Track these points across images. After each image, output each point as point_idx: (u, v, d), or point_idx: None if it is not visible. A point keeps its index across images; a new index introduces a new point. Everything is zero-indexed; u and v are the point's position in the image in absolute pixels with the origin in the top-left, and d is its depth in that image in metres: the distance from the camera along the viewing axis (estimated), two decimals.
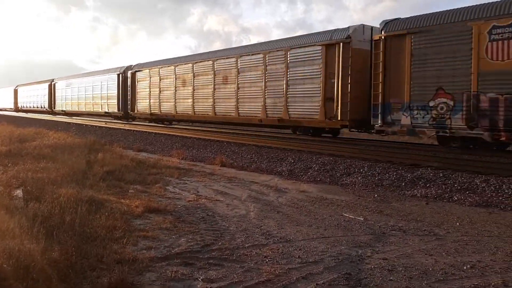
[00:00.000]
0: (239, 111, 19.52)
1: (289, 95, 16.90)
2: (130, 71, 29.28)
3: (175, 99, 24.46)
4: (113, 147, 14.52)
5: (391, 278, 3.99)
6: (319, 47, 15.73)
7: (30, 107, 52.21)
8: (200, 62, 22.63)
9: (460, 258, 4.53)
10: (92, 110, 35.29)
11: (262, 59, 18.26)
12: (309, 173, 10.14)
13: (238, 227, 5.67)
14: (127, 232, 5.13)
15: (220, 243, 4.98)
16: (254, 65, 18.70)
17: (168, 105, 25.30)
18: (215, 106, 21.16)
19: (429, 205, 7.18)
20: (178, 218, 6.02)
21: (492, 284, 3.84)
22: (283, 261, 4.43)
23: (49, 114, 44.86)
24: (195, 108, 22.79)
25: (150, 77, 27.08)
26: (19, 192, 6.79)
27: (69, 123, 29.49)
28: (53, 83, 44.78)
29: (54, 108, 44.25)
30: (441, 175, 8.96)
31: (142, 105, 28.11)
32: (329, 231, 5.57)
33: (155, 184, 8.56)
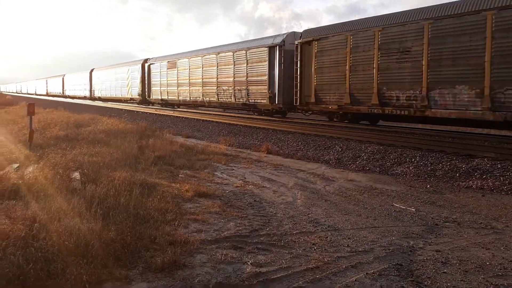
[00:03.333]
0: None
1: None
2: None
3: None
4: (163, 133, 14.92)
5: (445, 270, 3.87)
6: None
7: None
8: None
9: None
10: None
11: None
12: (357, 162, 9.96)
13: (285, 214, 5.69)
14: (178, 215, 5.29)
15: (268, 229, 5.01)
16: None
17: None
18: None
19: (486, 197, 6.85)
20: (227, 203, 6.12)
21: None
22: (332, 249, 4.40)
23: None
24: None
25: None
26: (76, 175, 7.13)
27: (121, 109, 30.55)
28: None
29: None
30: (499, 166, 8.51)
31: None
32: (379, 221, 5.46)
33: (204, 169, 8.74)
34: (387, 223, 5.37)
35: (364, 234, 4.88)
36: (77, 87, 55.32)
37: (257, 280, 3.65)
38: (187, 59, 27.38)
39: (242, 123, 18.61)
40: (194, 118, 22.22)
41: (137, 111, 29.07)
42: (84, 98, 51.46)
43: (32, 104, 10.05)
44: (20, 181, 6.16)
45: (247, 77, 21.40)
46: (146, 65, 33.92)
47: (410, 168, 9.04)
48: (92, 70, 48.96)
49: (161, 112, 27.15)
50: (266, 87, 20.00)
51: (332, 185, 7.62)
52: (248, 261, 4.04)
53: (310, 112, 18.57)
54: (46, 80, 75.22)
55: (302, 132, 14.78)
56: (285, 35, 19.30)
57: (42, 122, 15.77)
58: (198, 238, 4.55)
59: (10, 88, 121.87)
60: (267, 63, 19.90)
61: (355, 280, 3.66)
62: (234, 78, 22.39)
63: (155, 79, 32.66)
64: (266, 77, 19.97)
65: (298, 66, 17.85)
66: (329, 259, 4.10)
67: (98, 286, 3.46)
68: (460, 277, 3.74)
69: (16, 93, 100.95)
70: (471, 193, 7.13)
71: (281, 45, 19.15)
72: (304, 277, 3.71)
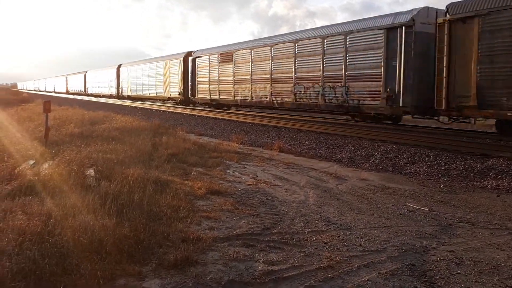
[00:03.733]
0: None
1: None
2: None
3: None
4: (176, 131, 15.01)
5: (459, 271, 3.83)
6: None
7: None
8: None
9: None
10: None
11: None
12: (370, 161, 9.90)
13: (297, 212, 5.68)
14: (191, 212, 5.33)
15: (279, 227, 5.02)
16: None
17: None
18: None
19: (501, 197, 6.76)
20: (239, 201, 6.14)
21: None
22: (344, 248, 4.39)
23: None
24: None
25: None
26: (91, 172, 7.22)
27: (135, 107, 30.81)
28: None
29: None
30: None
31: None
32: (391, 220, 5.42)
33: (216, 167, 8.78)
34: (400, 222, 5.34)
35: (376, 234, 4.86)
36: (101, 85, 51.48)
37: (269, 278, 3.66)
38: (249, 50, 22.49)
39: (253, 121, 18.63)
40: (206, 116, 22.31)
41: (150, 109, 29.29)
42: (110, 96, 47.16)
43: (48, 102, 10.20)
44: (36, 178, 6.26)
45: (345, 71, 16.33)
46: (190, 58, 28.89)
47: (424, 167, 8.96)
48: (119, 66, 44.85)
49: (174, 110, 27.31)
50: (380, 83, 14.87)
51: (344, 184, 7.59)
52: (260, 259, 4.05)
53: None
54: (66, 78, 71.67)
55: (315, 130, 14.73)
56: (414, 12, 14.16)
57: (57, 120, 15.98)
58: (210, 235, 4.58)
59: (27, 86, 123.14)
60: (383, 50, 14.77)
61: (368, 280, 3.64)
62: (323, 72, 17.36)
63: (201, 75, 27.60)
64: (381, 70, 14.85)
65: (444, 53, 12.65)
66: (341, 258, 4.09)
67: (111, 282, 3.50)
68: (474, 278, 3.70)
69: (34, 90, 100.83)
70: (485, 193, 7.03)
71: (410, 25, 13.92)
72: (316, 276, 3.71)
